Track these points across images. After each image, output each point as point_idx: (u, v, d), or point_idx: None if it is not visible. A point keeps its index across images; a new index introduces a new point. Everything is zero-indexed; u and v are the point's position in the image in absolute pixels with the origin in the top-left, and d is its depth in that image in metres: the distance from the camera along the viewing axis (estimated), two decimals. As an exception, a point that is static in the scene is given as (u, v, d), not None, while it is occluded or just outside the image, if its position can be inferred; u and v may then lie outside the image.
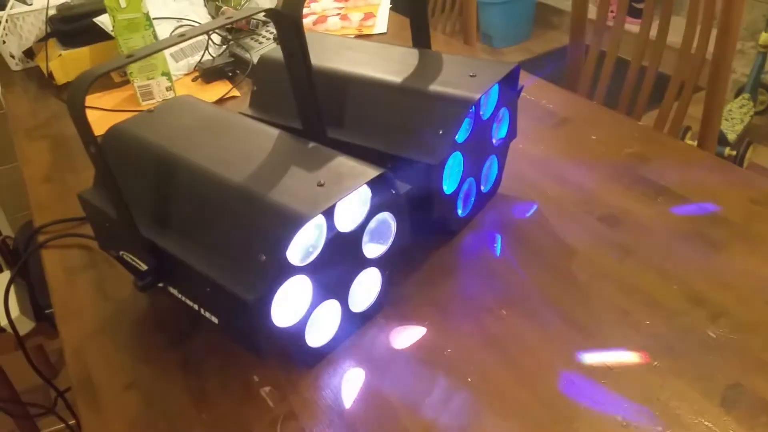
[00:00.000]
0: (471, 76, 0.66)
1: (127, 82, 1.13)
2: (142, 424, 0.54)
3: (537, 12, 3.00)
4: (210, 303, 0.54)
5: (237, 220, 0.51)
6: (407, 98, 0.65)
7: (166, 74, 1.08)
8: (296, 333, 0.54)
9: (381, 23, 1.30)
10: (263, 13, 0.56)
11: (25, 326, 1.04)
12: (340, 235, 0.54)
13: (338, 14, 1.34)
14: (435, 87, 0.65)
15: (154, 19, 1.11)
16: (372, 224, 0.57)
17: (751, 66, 2.02)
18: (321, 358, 0.57)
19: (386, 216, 0.58)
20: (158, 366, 0.59)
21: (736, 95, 2.09)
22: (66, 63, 1.16)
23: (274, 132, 0.60)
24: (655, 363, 0.53)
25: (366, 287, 0.60)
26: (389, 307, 0.62)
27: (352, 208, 0.55)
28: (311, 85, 0.60)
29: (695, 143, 1.84)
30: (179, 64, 1.17)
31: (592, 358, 0.54)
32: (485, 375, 0.54)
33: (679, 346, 0.55)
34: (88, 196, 0.61)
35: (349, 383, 0.55)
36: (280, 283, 0.50)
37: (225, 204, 0.52)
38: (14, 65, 1.26)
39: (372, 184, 0.54)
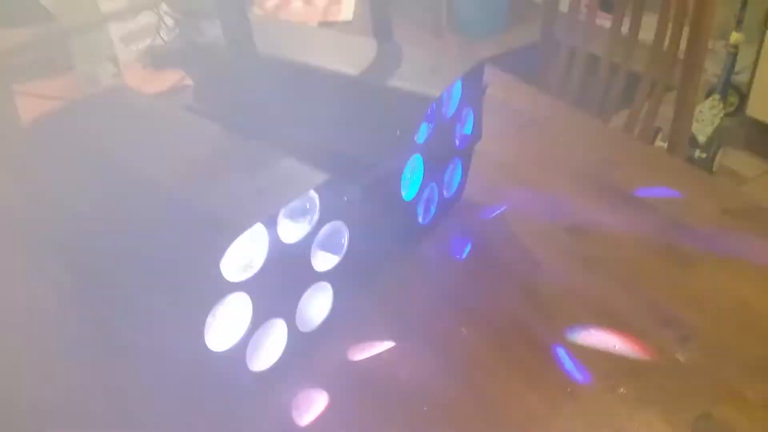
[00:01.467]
0: (432, 71, 0.61)
1: (71, 68, 1.05)
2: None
3: (514, 4, 2.96)
4: (133, 321, 0.49)
5: (168, 233, 0.46)
6: (362, 94, 0.60)
7: (113, 59, 1.01)
8: (235, 357, 0.49)
9: (347, 9, 1.24)
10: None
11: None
12: (284, 246, 0.49)
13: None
14: (393, 82, 0.60)
15: (100, -2, 1.03)
16: (321, 235, 0.52)
17: (722, 66, 2.01)
18: (264, 384, 0.52)
19: (338, 225, 0.54)
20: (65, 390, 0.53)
21: (707, 96, 2.08)
22: None
23: (213, 130, 0.54)
24: (622, 390, 0.50)
25: (316, 304, 0.55)
26: (343, 325, 0.57)
27: (297, 216, 0.50)
28: (257, 81, 0.55)
29: (665, 145, 1.82)
30: (129, 48, 1.10)
31: (556, 383, 0.51)
32: (443, 402, 0.50)
33: (646, 371, 0.51)
34: None
35: (296, 412, 0.50)
36: (214, 302, 0.45)
37: (152, 214, 0.47)
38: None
39: (320, 190, 0.49)
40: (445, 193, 0.69)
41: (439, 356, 0.54)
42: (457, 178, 0.71)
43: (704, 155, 1.84)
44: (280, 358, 0.53)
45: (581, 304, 0.57)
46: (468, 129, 0.69)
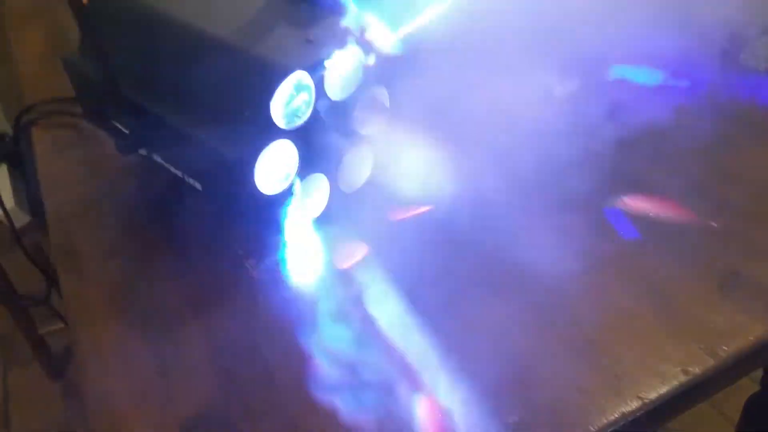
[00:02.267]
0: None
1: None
2: (123, 289, 0.53)
3: None
4: (193, 167, 0.52)
5: (221, 75, 0.49)
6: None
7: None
8: (282, 201, 0.52)
9: None
10: None
11: (20, 220, 1.04)
12: (330, 102, 0.51)
13: None
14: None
15: None
16: (365, 99, 0.55)
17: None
18: (310, 232, 0.55)
19: (381, 89, 0.56)
20: (142, 239, 0.58)
21: None
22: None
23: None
24: (652, 246, 0.51)
25: (359, 166, 0.58)
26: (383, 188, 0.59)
27: (344, 73, 0.52)
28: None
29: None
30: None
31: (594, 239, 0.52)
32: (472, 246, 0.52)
33: (680, 232, 0.52)
34: (73, 59, 0.59)
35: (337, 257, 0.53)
36: (264, 144, 0.48)
37: (208, 59, 0.50)
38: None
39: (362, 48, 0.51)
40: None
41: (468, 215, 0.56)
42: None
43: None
44: (323, 212, 0.56)
45: (616, 175, 0.58)
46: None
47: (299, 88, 0.49)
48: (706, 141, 0.59)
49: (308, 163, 0.52)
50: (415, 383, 0.43)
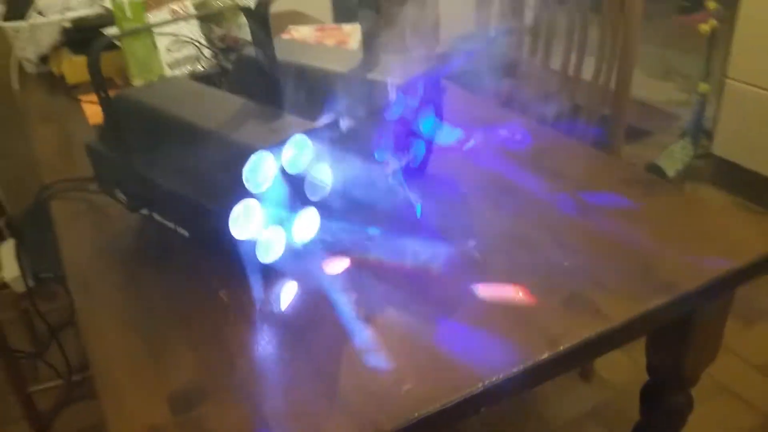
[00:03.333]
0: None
1: (129, 84, 1.31)
2: (124, 308, 0.70)
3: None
4: (183, 219, 0.71)
5: (208, 155, 0.69)
6: (346, 82, 0.83)
7: (161, 78, 1.27)
8: (249, 247, 0.70)
9: (352, 44, 1.50)
10: (240, 9, 0.75)
11: (21, 287, 1.19)
12: (287, 174, 0.71)
13: (315, 40, 1.54)
14: (369, 76, 0.83)
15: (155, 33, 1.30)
16: (314, 170, 0.75)
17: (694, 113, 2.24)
18: (269, 273, 0.74)
19: (325, 167, 0.76)
20: (139, 275, 0.75)
21: (681, 137, 2.31)
22: (76, 66, 1.35)
23: (241, 100, 0.78)
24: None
25: (308, 223, 0.77)
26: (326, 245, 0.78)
27: (298, 153, 0.72)
28: (275, 74, 0.78)
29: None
30: (174, 71, 1.36)
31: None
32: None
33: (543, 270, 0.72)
34: (93, 144, 0.78)
35: (286, 293, 0.71)
36: (237, 200, 0.67)
37: (199, 143, 0.70)
38: (30, 69, 1.44)
39: (310, 134, 0.72)
40: (411, 163, 0.91)
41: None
42: (421, 155, 0.93)
43: (673, 188, 2.05)
44: (281, 258, 0.74)
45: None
46: (430, 119, 0.92)
47: (263, 161, 0.69)
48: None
49: (270, 217, 0.72)
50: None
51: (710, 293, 0.70)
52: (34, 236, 1.25)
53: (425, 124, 0.92)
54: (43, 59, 1.44)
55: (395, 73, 0.84)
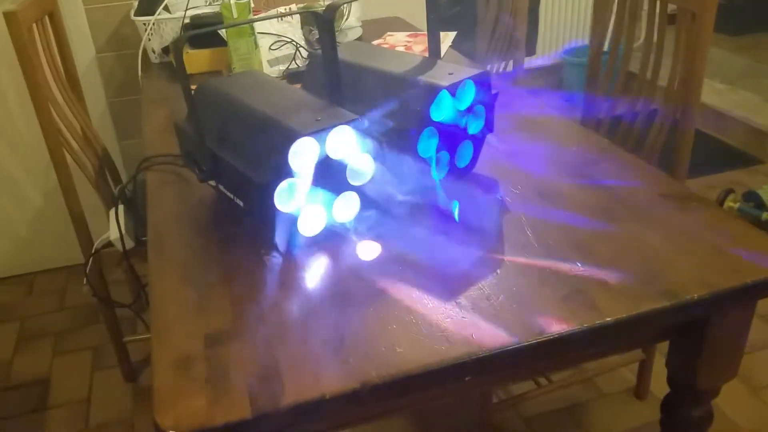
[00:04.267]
0: (449, 73, 0.92)
1: (231, 77, 1.47)
2: (186, 266, 0.82)
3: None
4: (239, 191, 0.83)
5: (263, 136, 0.80)
6: (402, 83, 0.92)
7: (260, 73, 1.41)
8: (292, 218, 0.81)
9: (438, 55, 1.58)
10: (312, 14, 0.86)
11: (128, 244, 1.38)
12: (329, 159, 0.81)
13: (405, 46, 1.64)
14: (421, 77, 0.91)
15: (258, 33, 1.45)
16: (356, 159, 0.84)
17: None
18: (308, 245, 0.84)
19: (367, 157, 0.85)
20: (206, 238, 0.88)
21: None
22: (192, 58, 1.53)
23: (302, 93, 0.89)
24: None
25: (348, 205, 0.86)
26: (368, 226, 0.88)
27: (341, 141, 0.82)
28: (337, 72, 0.89)
29: (736, 206, 1.98)
30: (272, 68, 1.51)
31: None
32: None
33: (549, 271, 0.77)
34: (181, 124, 0.92)
35: (318, 265, 0.81)
36: (282, 178, 0.78)
37: (257, 126, 0.81)
38: (154, 59, 1.65)
39: (353, 125, 0.81)
40: (457, 163, 0.98)
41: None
42: (468, 156, 1.00)
43: (770, 217, 1.95)
44: (320, 233, 0.84)
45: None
46: (480, 122, 0.99)
47: (306, 146, 0.79)
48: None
49: (314, 196, 0.82)
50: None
51: (714, 305, 0.72)
52: (139, 203, 1.44)
53: (474, 126, 0.98)
54: (165, 50, 1.64)
55: (447, 76, 0.91)
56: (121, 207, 1.42)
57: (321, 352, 0.66)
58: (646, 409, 1.45)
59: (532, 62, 3.02)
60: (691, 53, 1.16)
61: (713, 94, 2.79)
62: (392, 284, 0.76)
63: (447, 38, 1.71)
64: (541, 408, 1.51)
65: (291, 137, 0.77)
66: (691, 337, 0.79)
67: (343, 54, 1.03)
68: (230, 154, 0.83)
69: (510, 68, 1.83)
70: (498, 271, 0.77)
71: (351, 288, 0.76)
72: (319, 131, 0.79)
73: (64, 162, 1.31)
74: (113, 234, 1.33)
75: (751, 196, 2.06)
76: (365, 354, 0.66)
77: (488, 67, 1.82)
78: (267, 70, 1.48)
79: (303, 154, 0.79)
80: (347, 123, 0.81)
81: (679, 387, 0.86)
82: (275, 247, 0.84)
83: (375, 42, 1.69)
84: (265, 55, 1.49)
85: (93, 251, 1.40)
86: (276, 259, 0.82)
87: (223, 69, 1.56)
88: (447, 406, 1.51)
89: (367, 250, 0.83)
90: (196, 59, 1.54)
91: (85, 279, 1.40)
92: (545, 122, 1.16)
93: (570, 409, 1.50)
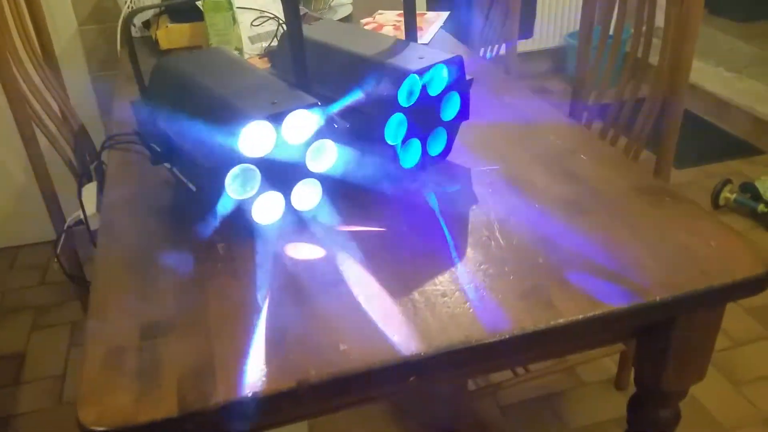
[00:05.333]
0: (420, 57, 0.88)
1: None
2: (132, 252, 0.80)
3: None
4: (192, 174, 0.80)
5: (215, 119, 0.77)
6: (369, 66, 0.88)
7: (239, 50, 1.37)
8: (245, 205, 0.78)
9: (427, 36, 1.53)
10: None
11: (96, 224, 1.35)
12: (286, 144, 0.78)
13: (393, 26, 1.59)
14: (389, 60, 0.87)
15: (238, 7, 1.41)
16: (316, 145, 0.81)
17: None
18: (263, 234, 0.81)
19: (329, 142, 0.81)
20: (159, 222, 0.85)
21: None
22: (170, 33, 1.49)
23: (263, 73, 0.85)
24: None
25: (308, 193, 0.83)
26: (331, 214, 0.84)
27: (299, 126, 0.78)
28: (302, 52, 0.85)
29: (733, 197, 1.93)
30: (254, 45, 1.46)
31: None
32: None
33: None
34: (136, 102, 0.89)
35: (270, 254, 0.78)
36: (234, 163, 0.75)
37: (211, 108, 0.78)
38: (134, 32, 1.61)
39: (317, 113, 0.78)
40: (429, 150, 0.95)
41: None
42: (441, 144, 0.96)
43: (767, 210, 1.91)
44: (279, 222, 0.81)
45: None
46: (454, 108, 0.95)
47: (260, 130, 0.76)
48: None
49: (268, 183, 0.78)
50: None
51: (678, 307, 0.69)
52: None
53: (447, 112, 0.94)
54: (146, 24, 1.60)
55: (417, 60, 0.87)
56: (92, 184, 1.39)
57: (261, 348, 0.64)
58: (625, 400, 1.42)
59: (530, 45, 2.96)
60: (680, 33, 1.11)
61: (718, 82, 2.73)
62: (346, 278, 0.73)
63: (439, 18, 1.66)
64: (518, 396, 1.49)
65: (243, 120, 0.73)
66: (656, 338, 0.76)
67: (311, 33, 0.99)
68: (183, 136, 0.80)
69: (504, 51, 1.78)
70: (458, 266, 0.74)
71: (302, 281, 0.73)
72: (274, 115, 0.75)
73: (33, 136, 1.28)
74: (88, 211, 1.30)
75: (747, 188, 2.02)
76: (306, 351, 0.63)
77: (481, 51, 1.77)
78: (248, 47, 1.44)
79: (257, 139, 0.76)
80: (306, 107, 0.77)
81: (645, 388, 0.83)
82: (227, 236, 0.81)
83: (364, 20, 1.64)
84: (246, 31, 1.45)
85: (65, 228, 1.38)
86: (227, 248, 0.79)
87: (204, 45, 1.52)
88: (422, 394, 1.49)
89: (325, 241, 0.80)
90: (176, 34, 1.49)
91: (55, 257, 1.38)
92: (527, 110, 1.12)
93: (548, 398, 1.48)
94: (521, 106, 1.13)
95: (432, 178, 0.93)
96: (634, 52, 1.26)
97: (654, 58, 1.20)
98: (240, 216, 0.79)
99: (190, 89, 0.83)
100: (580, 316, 0.65)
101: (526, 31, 2.85)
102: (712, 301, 0.71)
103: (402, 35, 1.55)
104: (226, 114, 0.76)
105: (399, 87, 0.85)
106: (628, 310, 0.66)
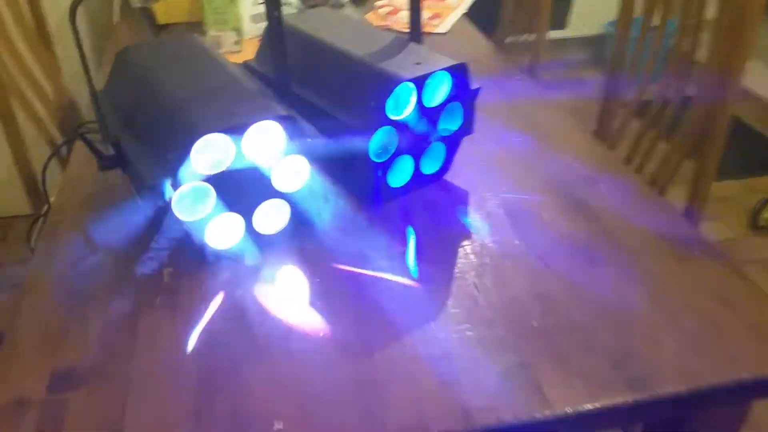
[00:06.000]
0: (417, 63, 0.75)
1: (203, 33, 1.31)
2: (71, 269, 0.70)
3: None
4: (138, 187, 0.69)
5: (166, 127, 0.65)
6: (357, 68, 0.76)
7: (237, 29, 1.25)
8: (198, 227, 0.67)
9: (445, 25, 1.39)
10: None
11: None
12: (246, 160, 0.66)
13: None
14: (381, 64, 0.75)
15: (241, -17, 1.28)
16: (286, 162, 0.69)
17: None
18: (219, 259, 0.70)
19: (300, 158, 0.70)
20: (105, 236, 0.74)
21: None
22: (169, 7, 1.37)
23: (233, 73, 0.73)
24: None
25: (274, 215, 0.72)
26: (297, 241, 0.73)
27: (263, 139, 0.67)
28: (282, 45, 0.73)
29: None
30: (257, 25, 1.34)
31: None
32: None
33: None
34: (99, 94, 0.78)
35: (224, 291, 0.67)
36: (182, 181, 0.63)
37: (163, 114, 0.67)
38: (135, 3, 1.50)
39: (281, 123, 0.66)
40: (422, 168, 0.82)
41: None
42: (438, 161, 0.84)
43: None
44: (238, 246, 0.70)
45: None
46: (456, 122, 0.82)
47: (220, 146, 0.64)
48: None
49: (225, 203, 0.67)
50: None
51: (694, 403, 0.56)
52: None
53: (447, 126, 0.82)
54: (147, -5, 1.49)
55: (412, 66, 0.75)
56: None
57: (180, 418, 0.53)
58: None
59: (564, 31, 2.76)
60: (735, 29, 0.95)
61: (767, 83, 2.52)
62: (298, 331, 0.61)
63: (462, 4, 1.51)
64: None
65: (194, 132, 0.62)
66: None
67: (299, 23, 0.87)
68: (131, 143, 0.69)
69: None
70: (432, 324, 0.62)
71: (249, 326, 0.62)
72: (232, 127, 0.64)
73: (10, 114, 1.19)
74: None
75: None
76: (231, 425, 0.52)
77: (506, 40, 1.62)
78: (248, 27, 1.32)
79: (211, 153, 0.65)
80: (272, 118, 0.66)
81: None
82: (176, 260, 0.70)
83: (378, 2, 1.50)
84: (247, 9, 1.33)
85: (43, 212, 1.29)
86: (174, 275, 0.68)
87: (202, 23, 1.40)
88: None
89: (287, 275, 0.69)
90: (175, 8, 1.38)
91: (31, 242, 1.29)
92: (545, 122, 0.99)
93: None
94: (538, 117, 1.00)
95: (421, 202, 0.81)
96: (679, 46, 1.10)
97: (701, 55, 1.04)
98: (190, 239, 0.68)
99: (146, 88, 0.72)
100: (572, 410, 0.53)
101: (561, 19, 2.66)
102: (737, 398, 0.58)
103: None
104: (176, 123, 0.65)
105: (387, 96, 0.73)
106: (632, 405, 0.54)
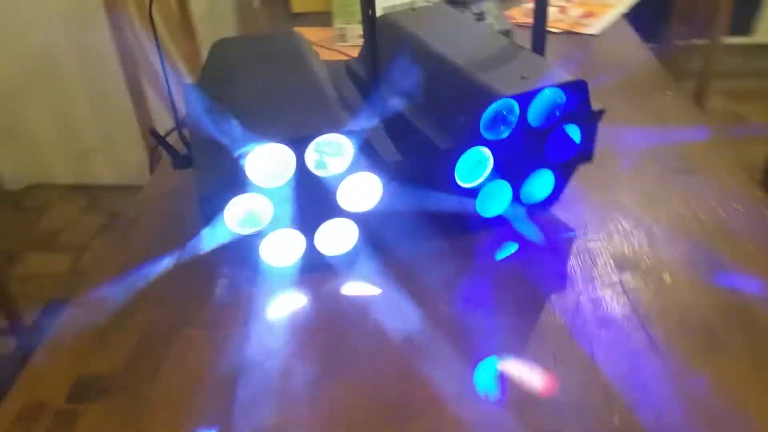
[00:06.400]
0: (522, 77, 0.64)
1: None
2: (129, 268, 0.68)
3: None
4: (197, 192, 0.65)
5: (228, 134, 0.60)
6: (453, 78, 0.66)
7: (364, 23, 1.20)
8: (252, 242, 0.62)
9: (597, 25, 1.23)
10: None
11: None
12: (310, 174, 0.60)
13: (560, 7, 1.31)
14: (480, 75, 0.64)
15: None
16: (354, 179, 0.62)
17: None
18: (276, 276, 0.64)
19: (371, 176, 0.62)
20: (174, 239, 0.72)
21: None
22: (306, -5, 1.35)
23: (317, 75, 0.67)
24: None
25: (339, 235, 0.65)
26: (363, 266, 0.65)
27: (330, 152, 0.60)
28: (374, 45, 0.65)
29: None
30: (389, 18, 1.28)
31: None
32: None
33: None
34: (188, 87, 0.76)
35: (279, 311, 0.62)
36: (235, 193, 0.58)
37: (230, 119, 0.61)
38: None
39: (351, 137, 0.59)
40: (522, 198, 0.71)
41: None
42: (544, 191, 0.72)
43: None
44: (296, 264, 0.64)
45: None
46: (571, 146, 0.70)
47: (280, 157, 0.58)
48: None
49: (287, 219, 0.61)
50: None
51: None
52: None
53: (558, 151, 0.70)
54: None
55: (517, 80, 0.64)
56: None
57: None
58: None
59: (749, 37, 2.39)
60: None
61: None
62: (342, 375, 0.54)
63: (622, 3, 1.34)
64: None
65: (253, 141, 0.56)
66: None
67: (405, 21, 0.79)
68: (198, 146, 0.65)
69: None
70: (491, 409, 0.52)
71: (305, 355, 0.56)
72: (296, 138, 0.57)
73: (140, 92, 1.23)
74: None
75: None
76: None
77: (665, 46, 1.42)
78: (380, 19, 1.26)
79: (270, 165, 0.59)
80: (341, 131, 0.58)
81: None
82: (233, 271, 0.66)
83: (526, -3, 1.37)
84: (380, 1, 1.26)
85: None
86: (226, 290, 0.64)
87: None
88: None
89: (351, 303, 0.62)
90: (311, -3, 1.35)
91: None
92: (695, 153, 0.82)
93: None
94: (687, 150, 0.83)
95: (519, 237, 0.70)
96: None
97: None
98: (244, 253, 0.63)
99: (225, 87, 0.68)
100: None
101: (745, 24, 2.31)
102: None
103: (566, 20, 1.27)
104: (240, 129, 0.59)
105: (481, 113, 0.62)
106: None
